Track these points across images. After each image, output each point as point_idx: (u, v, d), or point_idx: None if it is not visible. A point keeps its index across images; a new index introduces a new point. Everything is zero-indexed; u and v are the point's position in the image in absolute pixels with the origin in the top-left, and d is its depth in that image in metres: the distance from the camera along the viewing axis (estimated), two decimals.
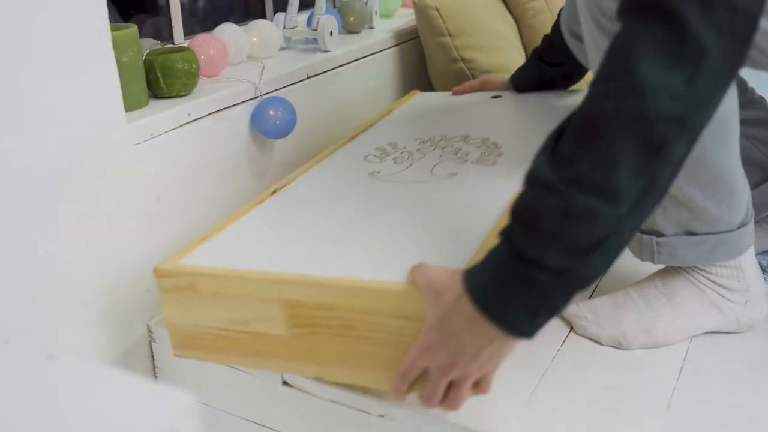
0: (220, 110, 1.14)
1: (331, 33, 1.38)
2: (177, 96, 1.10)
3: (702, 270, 0.96)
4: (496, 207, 0.92)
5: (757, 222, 1.16)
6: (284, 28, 1.39)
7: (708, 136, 0.83)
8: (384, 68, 1.57)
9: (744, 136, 1.03)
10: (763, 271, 1.13)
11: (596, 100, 0.61)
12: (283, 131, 1.19)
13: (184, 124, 1.08)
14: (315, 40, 1.41)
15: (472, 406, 0.89)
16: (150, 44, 1.13)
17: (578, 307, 1.03)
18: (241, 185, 1.21)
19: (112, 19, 1.26)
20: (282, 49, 1.41)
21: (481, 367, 0.70)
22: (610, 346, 1.00)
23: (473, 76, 1.57)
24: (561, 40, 1.24)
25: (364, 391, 0.89)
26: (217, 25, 1.45)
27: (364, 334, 0.77)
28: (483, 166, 1.07)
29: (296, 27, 1.40)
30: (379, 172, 1.08)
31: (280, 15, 1.39)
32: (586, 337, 1.02)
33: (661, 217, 0.93)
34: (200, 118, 1.11)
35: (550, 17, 1.71)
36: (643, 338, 0.98)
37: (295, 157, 1.33)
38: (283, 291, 0.79)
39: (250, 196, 1.19)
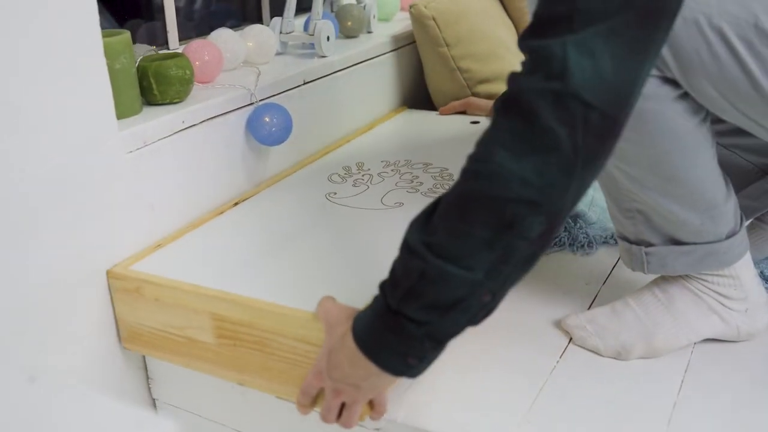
0: (215, 117, 1.13)
1: (328, 38, 1.36)
2: (171, 103, 1.08)
3: (698, 278, 0.95)
4: None
5: (755, 227, 1.15)
6: (281, 32, 1.38)
7: (674, 154, 0.84)
8: (382, 73, 1.55)
9: (723, 146, 1.02)
10: (765, 279, 1.11)
11: (462, 179, 0.69)
12: (279, 138, 1.18)
13: (178, 131, 1.06)
14: (312, 45, 1.40)
15: (471, 419, 0.88)
16: (144, 50, 1.12)
17: (577, 318, 1.02)
18: (236, 193, 1.20)
19: (108, 25, 1.25)
20: (278, 54, 1.39)
21: (364, 395, 0.79)
22: (610, 357, 0.98)
23: (470, 86, 1.56)
24: None
25: None
26: (213, 29, 1.44)
27: (276, 352, 0.88)
28: (430, 199, 1.10)
29: (293, 32, 1.39)
30: (335, 194, 1.19)
31: (277, 19, 1.37)
32: (585, 348, 1.01)
33: (647, 227, 0.93)
34: (195, 125, 1.09)
35: None
36: (643, 347, 0.97)
37: (291, 164, 1.32)
38: (211, 305, 0.90)
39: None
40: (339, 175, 1.27)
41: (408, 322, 0.70)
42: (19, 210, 0.85)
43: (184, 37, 1.36)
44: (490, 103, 1.44)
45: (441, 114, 1.52)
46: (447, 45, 1.53)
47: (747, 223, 1.06)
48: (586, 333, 1.00)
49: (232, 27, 1.47)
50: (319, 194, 1.19)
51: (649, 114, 0.81)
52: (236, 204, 1.16)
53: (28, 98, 0.84)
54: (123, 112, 1.01)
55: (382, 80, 1.56)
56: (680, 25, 0.74)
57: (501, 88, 1.58)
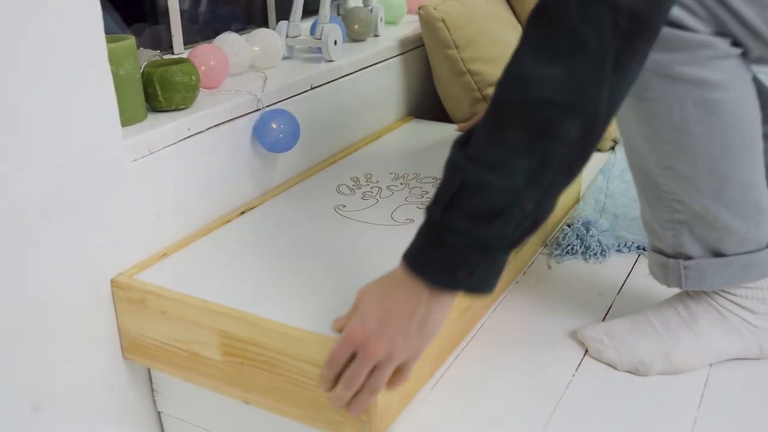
0: (221, 124, 1.10)
1: (335, 42, 1.34)
2: (176, 109, 1.06)
3: (726, 292, 0.93)
4: None
5: None
6: (287, 36, 1.35)
7: (733, 151, 0.81)
8: (390, 78, 1.53)
9: None
10: None
11: (496, 91, 0.70)
12: (287, 145, 1.15)
13: (184, 138, 1.04)
14: (319, 49, 1.38)
15: None
16: (148, 55, 1.09)
17: (594, 330, 1.00)
18: (243, 201, 1.17)
19: (117, 27, 1.23)
20: (285, 58, 1.37)
21: (407, 343, 0.74)
22: (627, 371, 0.96)
23: (480, 89, 1.53)
24: None
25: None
26: (218, 33, 1.41)
27: (286, 373, 0.86)
28: None
29: (299, 36, 1.36)
30: (344, 206, 1.17)
31: (283, 23, 1.35)
32: (601, 361, 0.98)
33: (688, 239, 0.90)
34: (200, 132, 1.07)
35: None
36: (662, 364, 0.94)
37: (298, 172, 1.29)
38: (220, 322, 0.88)
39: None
40: (347, 186, 1.24)
41: (452, 234, 0.70)
42: (22, 219, 0.82)
43: (188, 41, 1.33)
44: None
45: (459, 130, 1.49)
46: (456, 47, 1.51)
47: None
48: (602, 345, 0.98)
49: (237, 30, 1.44)
50: (327, 206, 1.16)
51: (718, 104, 0.80)
52: (243, 213, 1.14)
53: (30, 105, 0.81)
54: (127, 119, 0.99)
55: (390, 85, 1.53)
56: None
57: None
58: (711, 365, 0.97)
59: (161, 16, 1.28)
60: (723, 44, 0.78)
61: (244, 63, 1.24)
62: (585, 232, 1.31)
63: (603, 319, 1.09)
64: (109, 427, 0.98)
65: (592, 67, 0.65)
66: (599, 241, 1.29)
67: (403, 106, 1.60)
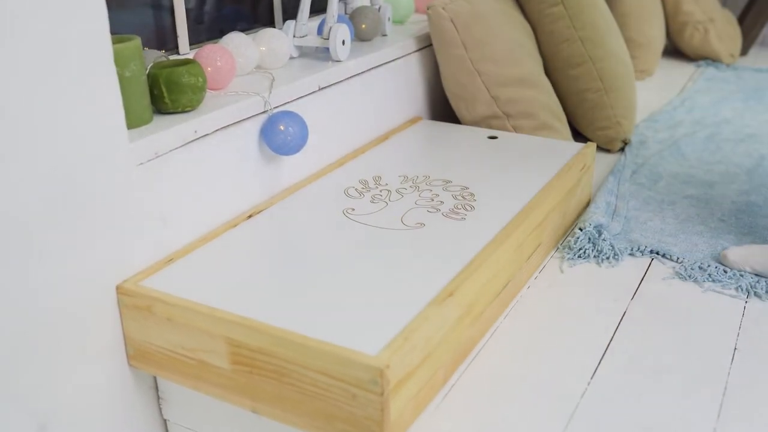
0: (228, 126, 1.08)
1: (343, 42, 1.32)
2: (183, 111, 1.04)
3: None
4: (446, 275, 0.96)
5: None
6: (294, 36, 1.33)
7: None
8: (398, 78, 1.51)
9: None
10: None
11: None
12: (295, 147, 1.13)
13: (191, 141, 1.02)
14: (326, 49, 1.35)
15: None
16: (154, 56, 1.07)
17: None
18: (250, 205, 1.15)
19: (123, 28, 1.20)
20: (292, 58, 1.35)
21: None
22: None
23: (489, 89, 1.51)
24: None
25: None
26: (223, 32, 1.39)
27: (295, 383, 0.84)
28: (451, 221, 1.12)
29: (307, 35, 1.34)
30: (353, 210, 1.15)
31: (290, 23, 1.32)
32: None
33: None
34: (207, 134, 1.05)
35: (569, 23, 1.64)
36: None
37: (305, 175, 1.27)
38: (228, 330, 0.87)
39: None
40: (356, 189, 1.22)
41: None
42: (25, 224, 0.80)
43: (194, 41, 1.31)
44: None
45: None
46: (465, 47, 1.48)
47: None
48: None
49: (242, 30, 1.42)
50: (336, 210, 1.14)
51: None
52: (250, 216, 1.12)
53: (34, 108, 0.79)
54: (133, 121, 0.96)
55: (398, 85, 1.51)
56: None
57: (520, 91, 1.54)
58: (729, 372, 0.95)
59: (166, 16, 1.26)
60: None
61: (251, 63, 1.22)
62: (597, 235, 1.29)
63: (617, 326, 1.07)
64: (114, 424, 0.96)
65: None
66: (612, 245, 1.27)
67: (412, 106, 1.58)
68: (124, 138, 0.91)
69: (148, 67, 1.02)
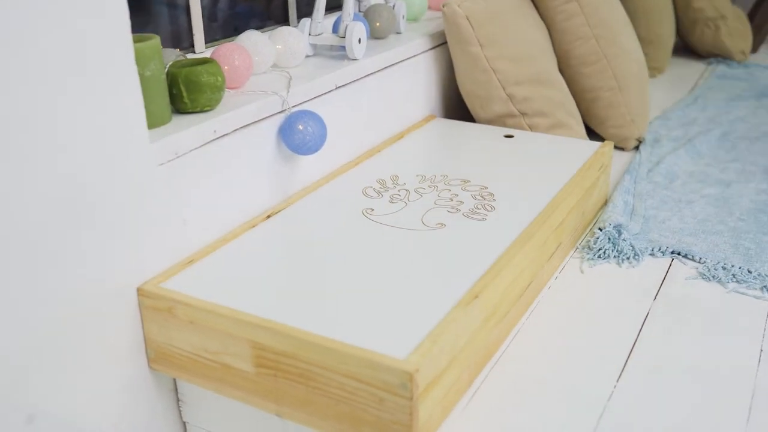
0: (247, 125, 1.07)
1: (359, 40, 1.30)
2: (201, 111, 1.02)
3: None
4: (470, 276, 0.95)
5: None
6: (310, 34, 1.32)
7: None
8: (413, 76, 1.49)
9: None
10: None
11: None
12: (314, 147, 1.12)
13: (210, 141, 1.00)
14: (342, 48, 1.34)
15: None
16: (171, 55, 1.06)
17: None
18: (268, 205, 1.14)
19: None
20: (307, 56, 1.33)
21: None
22: None
23: (504, 87, 1.50)
24: None
25: None
26: (237, 30, 1.38)
27: (321, 386, 0.83)
28: (472, 221, 1.10)
29: (322, 33, 1.33)
30: (372, 210, 1.13)
31: (306, 21, 1.31)
32: None
33: None
34: (226, 134, 1.03)
35: (584, 21, 1.63)
36: None
37: (323, 174, 1.26)
38: (252, 333, 0.85)
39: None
40: (374, 188, 1.21)
41: None
42: (45, 226, 0.79)
43: (208, 39, 1.30)
44: None
45: None
46: (480, 45, 1.47)
47: None
48: None
49: (257, 28, 1.41)
50: (355, 210, 1.13)
51: None
52: (269, 217, 1.11)
53: (55, 108, 0.78)
54: (153, 121, 0.95)
55: (413, 83, 1.50)
56: None
57: (536, 89, 1.52)
58: (757, 373, 0.94)
59: (180, 14, 1.24)
60: None
61: (268, 62, 1.20)
62: (617, 235, 1.27)
63: (641, 327, 1.05)
64: (133, 427, 0.95)
65: None
66: (632, 245, 1.26)
67: (426, 104, 1.56)
68: (145, 138, 0.90)
69: (167, 66, 1.01)
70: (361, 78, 1.32)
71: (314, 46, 1.34)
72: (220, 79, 1.01)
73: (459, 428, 0.87)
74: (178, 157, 0.95)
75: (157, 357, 0.95)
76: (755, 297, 1.13)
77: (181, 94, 0.99)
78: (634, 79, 1.71)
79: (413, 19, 1.65)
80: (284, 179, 1.17)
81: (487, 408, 0.90)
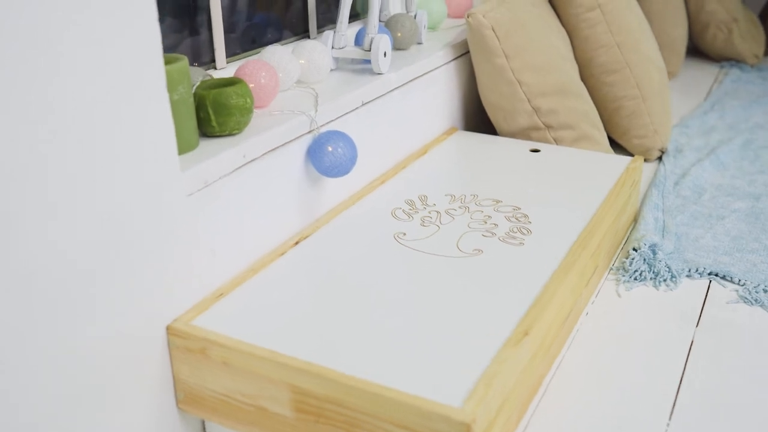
0: (276, 148, 1.02)
1: (385, 54, 1.25)
2: (229, 134, 0.97)
3: None
4: (515, 310, 0.91)
5: None
6: (333, 47, 1.27)
7: None
8: (436, 88, 1.45)
9: None
10: None
11: None
12: (344, 169, 1.07)
13: (240, 167, 0.95)
14: (365, 61, 1.29)
15: None
16: (197, 74, 1.01)
17: None
18: (296, 229, 1.09)
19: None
20: (330, 70, 1.28)
21: None
22: None
23: (529, 100, 1.45)
24: None
25: None
26: (255, 42, 1.33)
27: None
28: (509, 246, 1.06)
29: (346, 47, 1.27)
30: (404, 235, 1.08)
31: (329, 33, 1.26)
32: None
33: None
34: (255, 159, 0.98)
35: (606, 28, 1.59)
36: None
37: (349, 194, 1.21)
38: (292, 377, 0.81)
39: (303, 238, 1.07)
40: (403, 210, 1.16)
41: None
42: (72, 266, 0.74)
43: (228, 52, 1.24)
44: None
45: None
46: (506, 56, 1.42)
47: None
48: None
49: (276, 40, 1.35)
50: (386, 234, 1.08)
51: None
52: (297, 243, 1.06)
53: (84, 139, 0.73)
54: (181, 148, 0.90)
55: (435, 95, 1.45)
56: None
57: (561, 101, 1.48)
58: None
59: (200, 26, 1.19)
60: None
61: (292, 78, 1.15)
62: (652, 256, 1.23)
63: (687, 359, 1.01)
64: None
65: None
66: (668, 266, 1.22)
67: (448, 117, 1.52)
68: (176, 168, 0.84)
69: (194, 88, 0.95)
70: (387, 93, 1.27)
71: (336, 60, 1.29)
72: (249, 101, 0.96)
73: None
74: (207, 186, 0.90)
75: (186, 398, 0.90)
76: None
77: (209, 118, 0.94)
78: (657, 87, 1.67)
79: (432, 27, 1.60)
80: (311, 201, 1.12)
81: None
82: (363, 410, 0.77)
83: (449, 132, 1.50)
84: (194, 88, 0.96)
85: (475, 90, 1.56)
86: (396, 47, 1.41)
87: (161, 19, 1.13)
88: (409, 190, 1.23)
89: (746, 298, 1.15)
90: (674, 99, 2.13)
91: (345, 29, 1.26)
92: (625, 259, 1.24)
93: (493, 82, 1.46)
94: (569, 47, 1.61)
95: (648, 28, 1.72)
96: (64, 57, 0.69)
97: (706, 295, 1.17)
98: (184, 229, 0.87)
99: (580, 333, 1.07)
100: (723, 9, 2.42)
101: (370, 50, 1.25)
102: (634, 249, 1.25)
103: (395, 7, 1.51)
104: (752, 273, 1.22)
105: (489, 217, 1.15)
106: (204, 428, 0.96)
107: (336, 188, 1.17)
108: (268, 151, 1.00)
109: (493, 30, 1.40)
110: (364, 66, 1.31)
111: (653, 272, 1.21)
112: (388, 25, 1.40)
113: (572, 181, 1.27)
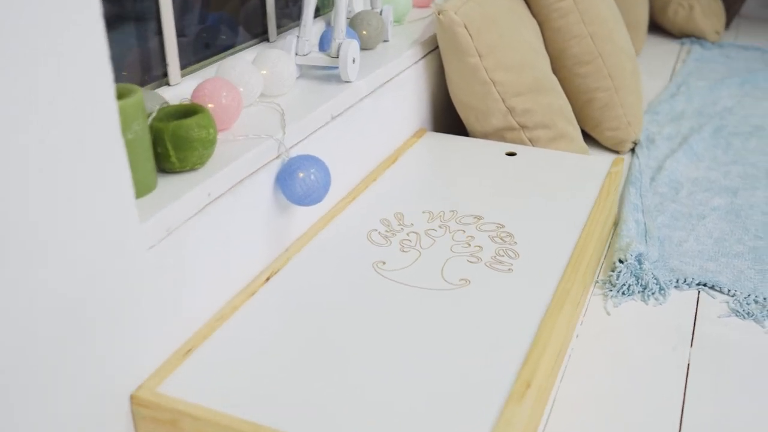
0: (243, 180, 0.93)
1: (353, 60, 1.16)
2: (191, 169, 0.87)
3: None
4: (513, 354, 0.84)
5: None
6: (296, 54, 1.17)
7: None
8: (405, 90, 1.36)
9: None
10: None
11: None
12: (317, 198, 0.98)
13: (205, 206, 0.86)
14: (333, 67, 1.19)
15: None
16: (152, 100, 0.90)
17: None
18: (265, 263, 1.00)
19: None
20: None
21: None
22: None
23: (504, 100, 1.38)
24: None
25: None
26: (209, 47, 1.22)
27: None
28: (497, 273, 1.00)
29: (310, 53, 1.18)
30: (384, 263, 1.01)
31: (292, 39, 1.16)
32: None
33: None
34: (222, 194, 0.89)
35: (579, 18, 1.52)
36: None
37: (320, 215, 1.12)
38: None
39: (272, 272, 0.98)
40: (379, 232, 1.08)
41: None
42: (22, 336, 0.64)
43: (181, 62, 1.13)
44: None
45: None
46: (479, 55, 1.34)
47: None
48: None
49: (232, 45, 1.25)
50: (364, 263, 1.00)
51: None
52: (268, 279, 0.97)
53: (27, 200, 0.62)
54: (138, 191, 0.80)
55: (404, 97, 1.36)
56: None
57: (536, 99, 1.41)
58: None
59: (147, 32, 1.08)
60: None
61: (255, 93, 1.05)
62: (639, 267, 1.18)
63: (685, 386, 0.97)
64: None
65: None
66: (656, 278, 1.17)
67: (416, 118, 1.43)
68: (135, 220, 0.75)
69: (150, 119, 0.85)
70: (356, 103, 1.18)
71: (299, 67, 1.19)
72: (212, 132, 0.87)
73: None
74: (170, 233, 0.81)
75: None
76: None
77: (168, 154, 0.84)
78: (629, 77, 1.61)
79: (398, 21, 1.51)
80: (281, 229, 1.03)
81: None
82: None
83: (418, 134, 1.42)
84: (150, 118, 0.85)
85: (444, 88, 1.48)
86: (362, 47, 1.32)
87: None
88: (383, 208, 1.15)
89: (738, 311, 1.11)
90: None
91: (309, 33, 1.16)
92: (612, 273, 1.19)
93: (465, 82, 1.38)
94: (540, 39, 1.54)
95: (620, 16, 1.65)
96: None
97: (697, 309, 1.13)
98: (147, 285, 0.78)
99: (572, 360, 1.02)
100: None
101: (337, 57, 1.15)
102: (620, 261, 1.20)
103: (358, 3, 1.41)
104: (740, 282, 1.18)
105: (472, 237, 1.08)
106: None
107: (305, 211, 1.08)
108: (235, 185, 0.91)
109: (466, 27, 1.32)
110: (330, 72, 1.21)
111: (641, 285, 1.16)
112: (353, 23, 1.30)
113: (554, 191, 1.21)
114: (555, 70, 1.58)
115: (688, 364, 1.01)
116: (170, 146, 0.84)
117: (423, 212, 1.14)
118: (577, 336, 1.07)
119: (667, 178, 1.52)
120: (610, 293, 1.15)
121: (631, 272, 1.18)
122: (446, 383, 0.80)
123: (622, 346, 1.05)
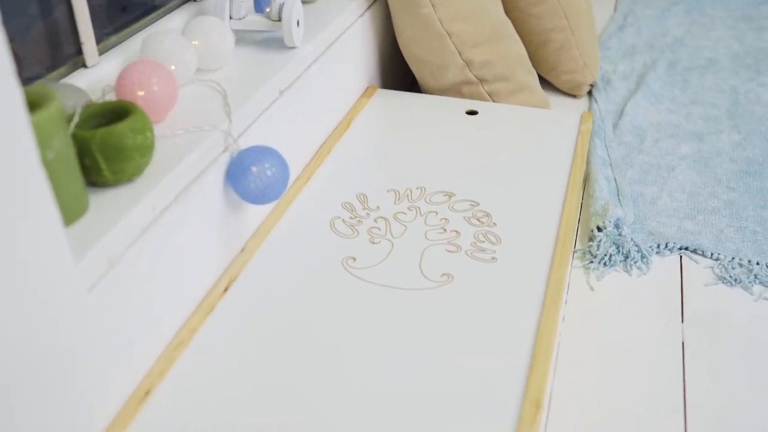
0: (190, 184, 0.79)
1: (298, 23, 1.01)
2: (128, 180, 0.73)
3: None
4: (516, 366, 0.75)
5: None
6: (230, 18, 1.01)
7: None
8: (352, 47, 1.22)
9: None
10: None
11: None
12: (276, 194, 0.86)
13: (150, 224, 0.72)
14: (273, 31, 1.05)
15: None
16: (72, 97, 0.74)
17: None
18: (220, 269, 0.88)
19: None
20: None
21: None
22: None
23: (461, 52, 1.26)
24: None
25: None
26: (125, 10, 1.05)
27: None
28: (481, 264, 0.90)
29: (246, 16, 1.02)
30: (354, 260, 0.90)
31: (225, 2, 1.00)
32: None
33: None
34: (168, 206, 0.75)
35: (557, 5, 1.40)
36: None
37: (271, 205, 1.00)
38: None
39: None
40: (343, 219, 0.97)
41: None
42: None
43: (96, 35, 0.96)
44: None
45: None
46: (433, 5, 1.21)
47: None
48: None
49: (156, 7, 1.08)
50: (332, 261, 0.89)
51: None
52: (226, 290, 0.85)
53: None
54: (67, 218, 0.66)
55: (352, 56, 1.22)
56: None
57: (494, 49, 1.29)
58: None
59: (54, 6, 0.90)
60: None
61: (190, 70, 0.90)
62: (617, 232, 1.11)
63: (683, 370, 0.91)
64: None
65: None
66: (637, 245, 1.10)
67: (364, 76, 1.30)
68: (68, 260, 0.61)
69: (72, 127, 0.70)
70: (304, 72, 1.04)
71: (235, 32, 1.04)
72: (149, 135, 0.72)
73: None
74: (112, 266, 0.67)
75: None
76: None
77: (99, 167, 0.70)
78: (584, 17, 1.51)
79: None
80: (233, 230, 0.90)
81: None
82: None
83: (368, 93, 1.29)
84: (71, 124, 0.70)
85: (393, 41, 1.34)
86: (303, 0, 1.17)
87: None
88: (343, 188, 1.03)
89: (724, 278, 1.06)
90: None
91: None
92: (591, 243, 1.11)
93: (418, 35, 1.24)
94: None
95: None
96: None
97: (681, 277, 1.07)
98: (91, 330, 0.65)
99: (562, 347, 0.95)
100: None
101: (279, 19, 1.00)
102: (599, 228, 1.12)
103: None
104: (722, 243, 1.12)
105: (446, 220, 0.97)
106: None
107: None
108: (181, 191, 0.77)
109: None
110: (268, 35, 1.06)
111: (622, 254, 1.09)
112: None
113: (524, 158, 1.11)
114: (507, 12, 1.46)
115: (683, 343, 0.95)
116: (100, 158, 0.69)
117: (388, 191, 1.03)
118: (564, 319, 0.99)
119: (630, 124, 1.44)
120: (591, 265, 1.08)
121: (612, 241, 1.10)
122: (441, 404, 0.71)
123: (610, 327, 0.98)
